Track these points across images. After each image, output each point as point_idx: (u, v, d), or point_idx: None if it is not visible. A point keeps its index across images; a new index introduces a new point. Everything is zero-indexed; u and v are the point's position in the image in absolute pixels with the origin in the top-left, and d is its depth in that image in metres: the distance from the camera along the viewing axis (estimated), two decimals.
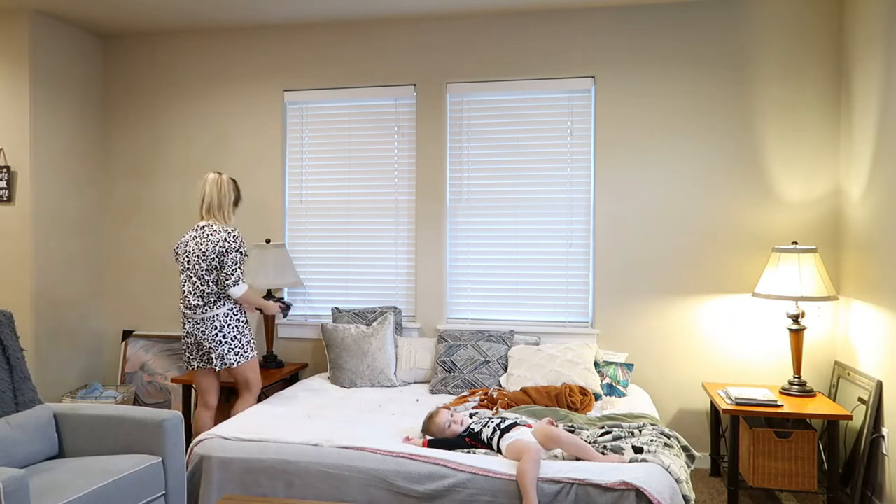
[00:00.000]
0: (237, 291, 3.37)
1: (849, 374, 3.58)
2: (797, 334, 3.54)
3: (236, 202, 3.56)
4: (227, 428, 2.99)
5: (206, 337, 3.37)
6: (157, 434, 2.74)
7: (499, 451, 2.72)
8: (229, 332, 3.40)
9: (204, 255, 3.36)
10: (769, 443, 3.32)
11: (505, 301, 4.25)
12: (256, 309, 3.65)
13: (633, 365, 3.84)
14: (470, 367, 3.78)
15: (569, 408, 3.33)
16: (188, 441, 3.95)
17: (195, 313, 3.39)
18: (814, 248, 3.53)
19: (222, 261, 3.34)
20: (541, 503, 2.43)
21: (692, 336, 4.00)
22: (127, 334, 4.71)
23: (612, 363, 3.78)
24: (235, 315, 3.44)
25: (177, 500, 2.77)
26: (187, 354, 3.47)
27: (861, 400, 3.40)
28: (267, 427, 3.02)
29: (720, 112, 3.95)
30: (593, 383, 3.55)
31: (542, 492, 2.45)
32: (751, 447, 3.34)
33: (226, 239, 3.36)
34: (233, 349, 3.40)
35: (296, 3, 4.04)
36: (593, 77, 4.09)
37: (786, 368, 3.89)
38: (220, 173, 3.50)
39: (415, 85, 4.31)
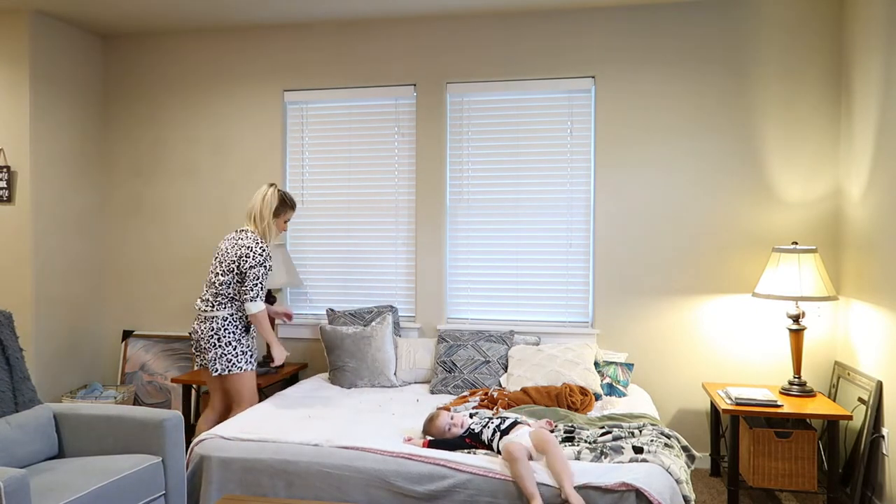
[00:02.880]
0: (252, 308, 3.29)
1: (849, 374, 3.58)
2: (797, 334, 3.54)
3: (278, 212, 3.45)
4: (227, 428, 2.99)
5: (202, 337, 3.34)
6: (157, 434, 2.74)
7: (498, 452, 2.71)
8: (224, 338, 3.32)
9: (226, 256, 3.35)
10: (769, 443, 3.32)
11: (505, 301, 4.25)
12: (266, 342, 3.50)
13: (633, 365, 3.83)
14: (470, 367, 3.78)
15: (569, 408, 3.33)
16: (188, 441, 3.95)
17: (201, 310, 3.38)
18: (814, 248, 3.53)
19: (244, 273, 3.29)
20: None
21: (692, 336, 4.00)
22: (127, 334, 4.71)
23: (612, 363, 3.78)
24: (234, 322, 3.36)
25: (177, 500, 2.77)
26: (194, 351, 3.46)
27: (861, 400, 3.40)
28: (267, 427, 3.02)
29: (720, 112, 3.95)
30: (593, 383, 3.55)
31: (542, 496, 2.44)
32: (751, 447, 3.35)
33: (251, 249, 3.29)
34: (225, 356, 3.30)
35: (296, 3, 4.03)
36: (593, 77, 4.09)
37: (786, 368, 3.89)
38: (272, 185, 3.46)
39: (415, 85, 4.30)
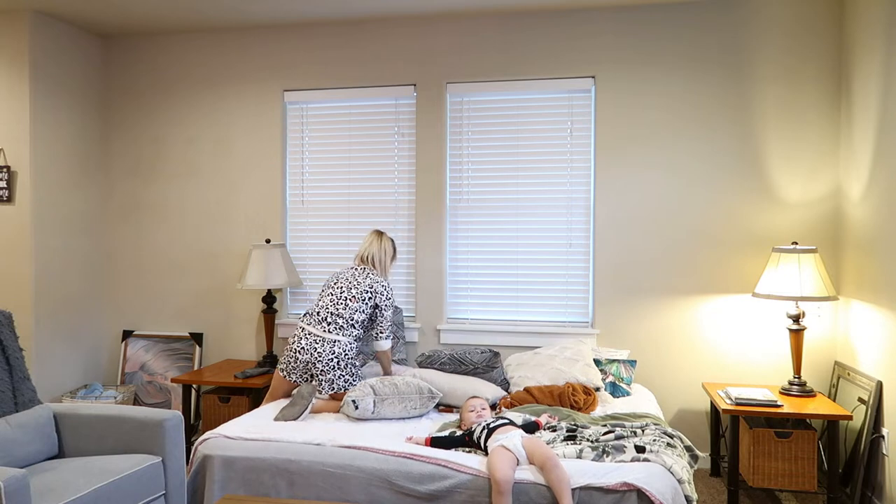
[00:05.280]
0: (384, 345, 3.61)
1: (849, 374, 3.59)
2: (797, 334, 3.54)
3: (393, 258, 3.75)
4: (230, 427, 2.99)
5: (320, 359, 3.44)
6: (157, 434, 2.74)
7: (485, 449, 2.70)
8: (343, 361, 3.46)
9: (358, 287, 3.54)
10: (769, 443, 3.33)
11: (505, 301, 4.25)
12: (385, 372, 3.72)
13: (636, 361, 3.83)
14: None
15: (572, 407, 3.33)
16: (188, 440, 3.95)
17: (317, 332, 3.48)
18: (814, 248, 3.54)
19: (380, 308, 3.56)
20: None
21: (692, 336, 4.00)
22: (127, 334, 4.70)
23: (614, 360, 3.78)
24: (353, 347, 3.52)
25: (177, 499, 2.77)
26: (289, 366, 3.55)
27: (861, 400, 3.41)
28: (269, 426, 3.02)
29: (720, 112, 3.95)
30: (594, 378, 3.55)
31: (543, 498, 2.44)
32: (751, 447, 3.35)
33: (386, 289, 3.57)
34: (343, 377, 3.45)
35: (296, 3, 4.03)
36: (593, 77, 4.09)
37: (786, 368, 3.89)
38: (380, 233, 3.74)
39: (415, 85, 4.30)
